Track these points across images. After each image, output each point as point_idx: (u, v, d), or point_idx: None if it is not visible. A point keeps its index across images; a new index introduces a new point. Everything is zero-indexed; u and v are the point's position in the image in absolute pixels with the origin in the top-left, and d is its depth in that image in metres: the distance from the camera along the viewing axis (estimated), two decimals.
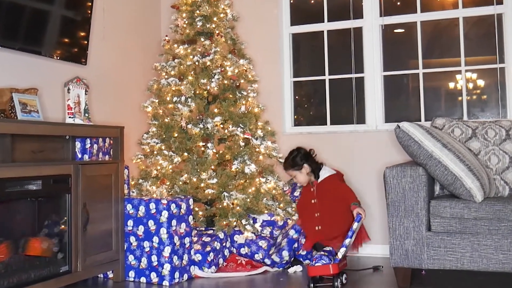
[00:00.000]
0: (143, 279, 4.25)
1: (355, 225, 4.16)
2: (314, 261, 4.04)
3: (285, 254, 4.50)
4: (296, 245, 4.66)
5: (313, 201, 4.63)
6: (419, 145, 3.86)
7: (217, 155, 4.85)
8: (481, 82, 5.24)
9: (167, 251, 4.17)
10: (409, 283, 3.95)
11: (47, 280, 3.64)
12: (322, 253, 4.12)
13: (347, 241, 4.10)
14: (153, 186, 4.67)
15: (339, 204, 4.49)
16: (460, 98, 5.20)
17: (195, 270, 4.42)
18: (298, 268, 4.57)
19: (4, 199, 3.51)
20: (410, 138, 3.90)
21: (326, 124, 5.59)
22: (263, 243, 4.64)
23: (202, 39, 5.01)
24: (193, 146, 4.79)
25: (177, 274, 4.22)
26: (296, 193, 5.01)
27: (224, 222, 4.57)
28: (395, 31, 5.53)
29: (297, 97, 5.80)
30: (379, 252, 5.06)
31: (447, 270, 3.98)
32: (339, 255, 4.06)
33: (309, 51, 6.02)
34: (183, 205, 4.36)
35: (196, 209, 4.79)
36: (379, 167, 5.08)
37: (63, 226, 3.85)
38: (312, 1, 5.85)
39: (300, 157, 4.74)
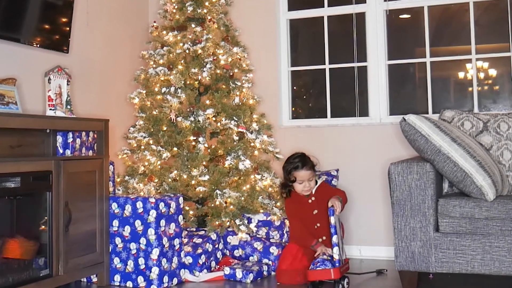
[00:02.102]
0: (129, 284, 4.24)
1: (332, 220, 4.14)
2: (315, 265, 4.04)
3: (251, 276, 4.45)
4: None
5: (314, 212, 4.51)
6: (427, 140, 3.85)
7: (209, 150, 4.84)
8: (493, 72, 5.25)
9: (155, 253, 4.16)
10: None
11: (26, 284, 3.61)
12: (325, 257, 4.12)
13: (334, 238, 4.09)
14: (140, 184, 4.66)
15: None
16: (470, 88, 5.20)
17: (185, 274, 4.41)
18: None
19: None
20: (417, 132, 3.89)
21: (326, 117, 5.58)
22: (258, 245, 4.63)
23: (193, 26, 5.00)
24: (183, 140, 4.78)
25: (166, 278, 4.22)
26: None
27: (217, 222, 4.56)
28: (401, 16, 5.52)
29: (295, 87, 5.79)
30: (383, 254, 5.06)
31: (457, 274, 3.98)
32: (335, 256, 4.06)
33: (308, 38, 6.01)
34: (173, 204, 4.35)
35: (187, 208, 4.78)
36: (383, 163, 5.07)
37: (43, 227, 3.84)
38: None
39: None
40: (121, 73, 5.42)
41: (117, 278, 4.28)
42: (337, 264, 4.03)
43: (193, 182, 4.67)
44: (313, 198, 4.54)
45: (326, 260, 4.04)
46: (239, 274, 4.34)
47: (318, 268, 4.02)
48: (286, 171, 4.60)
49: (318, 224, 4.45)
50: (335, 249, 4.07)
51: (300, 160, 4.55)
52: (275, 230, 4.79)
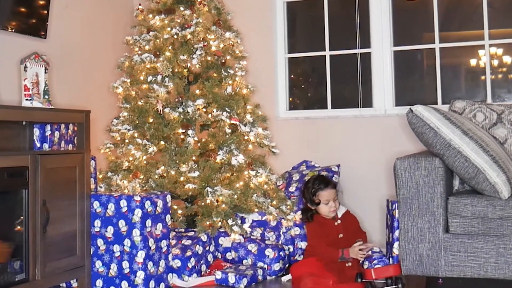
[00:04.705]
0: None
1: (397, 212, 4.20)
2: (371, 263, 4.07)
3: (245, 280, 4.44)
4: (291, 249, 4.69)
5: (340, 235, 4.61)
6: (436, 133, 3.85)
7: (199, 144, 4.83)
8: (507, 59, 5.25)
9: (140, 256, 4.15)
10: None
11: None
12: (375, 254, 4.21)
13: (397, 232, 4.12)
14: (124, 180, 4.65)
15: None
16: (483, 77, 5.20)
17: (173, 279, 4.41)
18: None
19: None
20: (425, 124, 3.89)
21: (326, 108, 5.58)
22: (252, 247, 4.63)
23: (182, 8, 4.98)
24: (171, 133, 4.77)
25: (152, 283, 4.21)
26: (292, 189, 5.00)
27: (208, 223, 4.56)
28: None
29: (292, 76, 5.79)
30: None
31: (468, 278, 3.98)
32: (395, 251, 4.11)
33: (307, 22, 6.01)
34: (160, 203, 4.34)
35: (175, 207, 4.78)
36: (388, 157, 5.07)
37: (19, 227, 3.82)
38: None
39: None
40: (104, 60, 5.40)
41: (99, 283, 4.27)
42: (395, 261, 4.08)
43: (181, 178, 4.66)
44: (339, 221, 4.66)
45: (383, 256, 4.12)
46: (231, 278, 4.33)
47: (378, 266, 4.05)
48: (310, 193, 4.71)
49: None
50: (396, 243, 4.11)
51: (322, 180, 4.71)
52: (271, 231, 4.78)
